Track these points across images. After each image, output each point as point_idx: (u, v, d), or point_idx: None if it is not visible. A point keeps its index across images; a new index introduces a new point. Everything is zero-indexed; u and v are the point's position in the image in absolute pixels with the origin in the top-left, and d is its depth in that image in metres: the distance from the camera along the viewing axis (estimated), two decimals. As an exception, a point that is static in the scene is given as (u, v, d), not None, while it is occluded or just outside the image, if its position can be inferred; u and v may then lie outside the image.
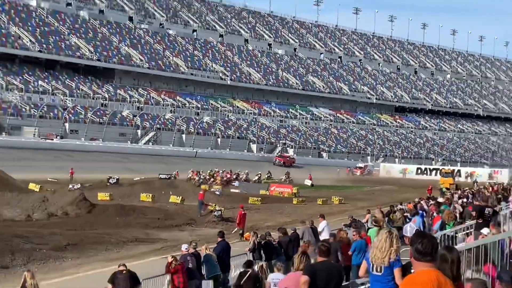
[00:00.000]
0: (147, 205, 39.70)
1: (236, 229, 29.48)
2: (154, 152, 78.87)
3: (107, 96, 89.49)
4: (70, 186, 45.81)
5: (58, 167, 57.30)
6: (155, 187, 46.83)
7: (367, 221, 22.84)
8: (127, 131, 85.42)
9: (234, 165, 70.25)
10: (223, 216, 35.48)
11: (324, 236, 19.10)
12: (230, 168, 66.36)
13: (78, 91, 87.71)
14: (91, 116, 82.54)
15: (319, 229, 20.26)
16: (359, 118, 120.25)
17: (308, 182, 65.82)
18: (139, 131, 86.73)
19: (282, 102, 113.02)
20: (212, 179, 59.25)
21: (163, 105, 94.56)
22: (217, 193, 47.22)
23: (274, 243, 18.34)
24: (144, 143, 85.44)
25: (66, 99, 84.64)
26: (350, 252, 14.13)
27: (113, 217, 34.14)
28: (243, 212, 29.63)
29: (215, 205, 38.28)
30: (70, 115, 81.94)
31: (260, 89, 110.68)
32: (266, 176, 67.58)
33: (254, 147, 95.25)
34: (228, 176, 62.26)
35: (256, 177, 65.07)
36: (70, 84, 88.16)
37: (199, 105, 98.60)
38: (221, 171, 63.31)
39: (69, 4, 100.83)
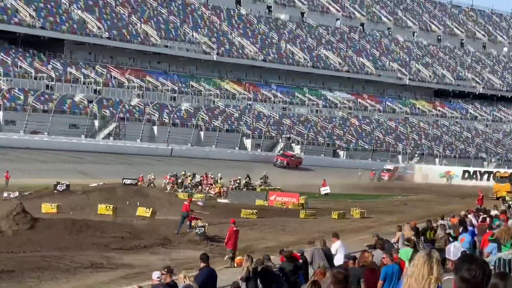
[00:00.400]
0: (107, 220, 39.84)
1: (226, 256, 29.44)
2: (116, 150, 79.03)
3: (54, 75, 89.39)
4: (5, 194, 45.94)
5: (-11, 169, 57.32)
6: (118, 196, 46.93)
7: (397, 241, 22.91)
8: (81, 122, 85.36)
9: (221, 166, 70.15)
10: (207, 234, 35.53)
11: (338, 260, 19.15)
12: (220, 170, 66.43)
13: (16, 68, 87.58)
14: (32, 102, 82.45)
15: (332, 251, 20.32)
16: (387, 105, 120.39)
17: (325, 190, 65.53)
18: (96, 122, 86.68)
19: (285, 83, 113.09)
20: (200, 186, 59.32)
21: (128, 88, 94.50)
22: (200, 203, 47.28)
23: (274, 269, 18.37)
24: (103, 138, 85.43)
25: (0, 80, 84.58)
26: (381, 281, 14.24)
27: (61, 236, 34.19)
28: (234, 228, 29.66)
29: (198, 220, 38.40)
30: (5, 101, 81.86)
31: (256, 67, 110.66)
32: (244, 181, 66.27)
33: (248, 143, 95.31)
34: (206, 181, 62.41)
35: (235, 183, 64.42)
36: (5, 59, 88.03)
37: (175, 88, 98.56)
38: (189, 175, 63.37)
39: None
